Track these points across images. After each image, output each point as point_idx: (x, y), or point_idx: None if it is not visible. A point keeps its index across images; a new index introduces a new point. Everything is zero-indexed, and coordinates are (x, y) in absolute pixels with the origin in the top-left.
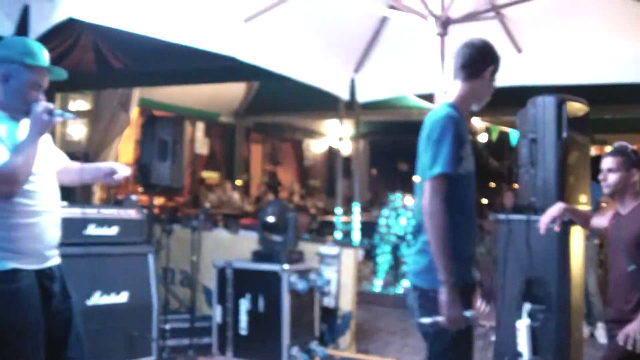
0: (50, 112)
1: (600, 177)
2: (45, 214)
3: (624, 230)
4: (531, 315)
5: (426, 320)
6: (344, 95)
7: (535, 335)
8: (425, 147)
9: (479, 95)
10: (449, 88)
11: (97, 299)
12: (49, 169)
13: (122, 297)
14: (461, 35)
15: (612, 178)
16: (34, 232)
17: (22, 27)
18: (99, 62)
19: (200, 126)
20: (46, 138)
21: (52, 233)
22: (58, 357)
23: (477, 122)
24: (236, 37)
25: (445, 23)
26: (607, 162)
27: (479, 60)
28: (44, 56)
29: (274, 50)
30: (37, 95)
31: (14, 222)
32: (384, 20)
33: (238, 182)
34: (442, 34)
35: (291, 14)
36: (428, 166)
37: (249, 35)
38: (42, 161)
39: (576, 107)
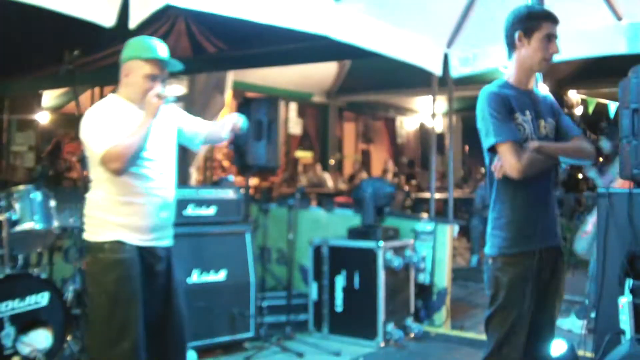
0: (159, 96)
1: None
2: (155, 197)
3: None
4: (634, 291)
5: None
6: (437, 71)
7: (638, 312)
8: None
9: (529, 63)
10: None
11: (197, 277)
12: (165, 153)
13: (221, 276)
14: (557, 4)
15: None
16: (141, 212)
17: (123, 18)
18: (194, 46)
19: (293, 106)
20: (166, 124)
21: (162, 215)
22: (157, 335)
23: (573, 95)
24: (328, 16)
25: None
26: None
27: (508, 31)
28: (159, 50)
29: (365, 28)
30: (153, 85)
31: (123, 199)
32: (470, 4)
33: (331, 161)
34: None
35: None
36: (484, 142)
37: (340, 15)
38: (156, 145)
39: None
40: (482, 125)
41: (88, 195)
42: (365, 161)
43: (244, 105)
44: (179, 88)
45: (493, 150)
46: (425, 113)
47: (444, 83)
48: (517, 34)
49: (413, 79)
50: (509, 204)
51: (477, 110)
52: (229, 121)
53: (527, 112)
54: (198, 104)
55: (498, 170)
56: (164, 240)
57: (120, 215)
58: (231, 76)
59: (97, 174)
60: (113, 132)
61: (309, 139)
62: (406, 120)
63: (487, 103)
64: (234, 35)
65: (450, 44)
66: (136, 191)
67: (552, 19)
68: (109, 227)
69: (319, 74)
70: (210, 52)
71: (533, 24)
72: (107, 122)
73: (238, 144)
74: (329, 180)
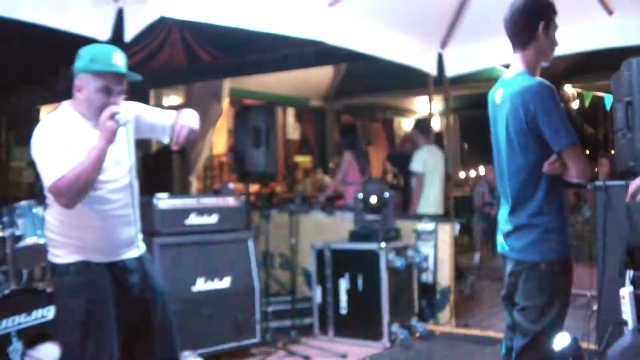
0: (114, 118)
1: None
2: (116, 217)
3: None
4: (635, 282)
5: None
6: (432, 71)
7: None
8: (531, 120)
9: (544, 57)
10: (512, 60)
11: (202, 285)
12: (123, 172)
13: (225, 283)
14: None
15: None
16: (102, 234)
17: (118, 31)
18: (189, 56)
19: (290, 112)
20: (122, 134)
21: (124, 232)
22: (141, 346)
23: (569, 89)
24: (321, 21)
25: None
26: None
27: (526, 23)
28: (114, 60)
29: (360, 31)
30: (108, 100)
31: (82, 224)
32: (463, 6)
33: (331, 165)
34: None
35: None
36: (556, 139)
37: (334, 19)
38: (113, 164)
39: None
40: (547, 121)
41: (46, 216)
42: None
43: (241, 112)
44: (176, 99)
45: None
46: (422, 113)
47: (440, 83)
48: (541, 25)
49: (409, 80)
50: (559, 207)
51: (535, 105)
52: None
53: None
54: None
55: (553, 171)
56: (133, 251)
57: (81, 238)
58: (227, 84)
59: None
60: (63, 158)
61: (308, 143)
62: (404, 121)
63: (550, 97)
64: (228, 43)
65: (444, 43)
66: (94, 215)
67: (557, 12)
68: (71, 248)
69: (316, 79)
70: (205, 61)
71: (553, 15)
72: (57, 146)
73: (237, 152)
74: (329, 184)
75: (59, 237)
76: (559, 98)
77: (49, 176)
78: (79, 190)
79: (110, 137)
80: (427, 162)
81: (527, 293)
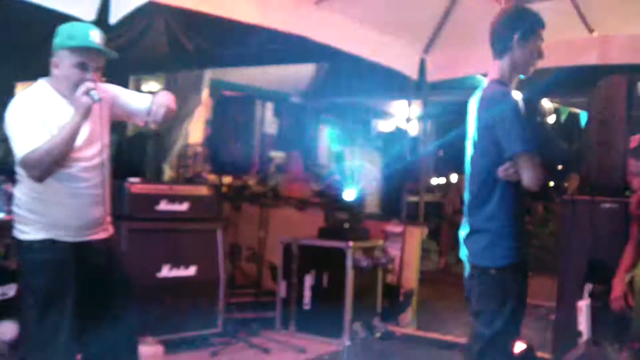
0: (89, 93)
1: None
2: (86, 196)
3: None
4: (593, 295)
5: None
6: (413, 75)
7: (596, 316)
8: (490, 125)
9: (519, 68)
10: (490, 69)
11: (167, 272)
12: (96, 151)
13: (191, 271)
14: None
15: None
16: (71, 212)
17: (104, 13)
18: (172, 44)
19: (269, 106)
20: (98, 113)
21: (93, 212)
22: (100, 328)
23: (546, 103)
24: (307, 18)
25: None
26: (632, 167)
27: (502, 33)
28: (91, 37)
29: (344, 30)
30: (84, 76)
31: (50, 199)
32: (454, 2)
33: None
34: None
35: None
36: (509, 145)
37: (319, 17)
38: (87, 142)
39: None
40: (503, 128)
41: (15, 191)
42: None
43: (220, 103)
44: (156, 86)
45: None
46: (400, 117)
47: (419, 88)
48: (516, 36)
49: (390, 83)
50: (513, 212)
51: (494, 111)
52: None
53: None
54: (176, 101)
55: (507, 176)
56: (101, 232)
57: (49, 215)
58: (208, 74)
59: (21, 171)
60: (36, 132)
61: (285, 139)
62: (381, 123)
63: (510, 106)
64: (212, 33)
65: (427, 49)
66: (65, 192)
67: (544, 25)
68: (38, 225)
69: (297, 75)
70: (188, 50)
71: (531, 28)
72: (31, 120)
73: (213, 143)
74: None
75: (27, 213)
76: (523, 109)
77: (21, 148)
78: (49, 163)
79: (85, 113)
80: None
81: (479, 297)
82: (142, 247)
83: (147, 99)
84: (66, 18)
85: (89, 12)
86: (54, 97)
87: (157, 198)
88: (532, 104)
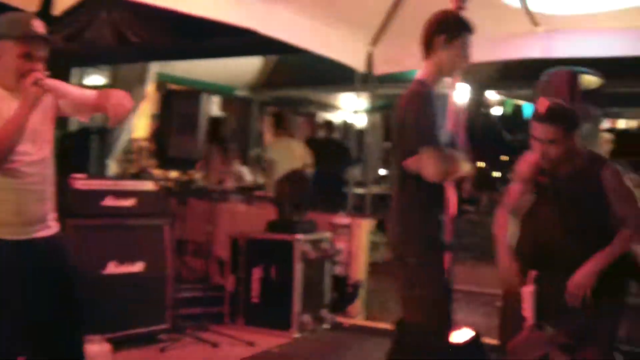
0: (37, 83)
1: (534, 146)
2: (28, 192)
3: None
4: (536, 281)
5: None
6: (360, 68)
7: (539, 301)
8: (402, 123)
9: (444, 69)
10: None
11: (113, 268)
12: (40, 142)
13: (138, 267)
14: (477, 9)
15: (555, 151)
16: (13, 208)
17: (46, 3)
18: (117, 36)
19: (216, 100)
20: (42, 107)
21: (36, 208)
22: (46, 327)
23: (491, 95)
24: (255, 11)
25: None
26: (544, 132)
27: (428, 35)
28: (34, 26)
29: (292, 23)
30: (30, 67)
31: None
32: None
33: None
34: (460, 8)
35: None
36: (414, 140)
37: (268, 9)
38: (31, 135)
39: (590, 80)
40: (410, 122)
41: None
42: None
43: (166, 97)
44: (99, 79)
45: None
46: (348, 110)
47: (367, 80)
48: (439, 37)
49: (337, 76)
50: (427, 203)
51: (405, 108)
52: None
53: (441, 116)
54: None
55: (406, 167)
56: (44, 230)
57: None
58: (154, 67)
59: None
60: None
61: (231, 132)
62: (328, 116)
63: (419, 103)
64: (157, 25)
65: (374, 41)
66: (7, 188)
67: (471, 30)
68: None
69: (244, 68)
70: (133, 42)
71: (456, 30)
72: None
73: (160, 137)
74: (247, 175)
75: None
76: (430, 105)
77: None
78: (2, 151)
79: (33, 103)
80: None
81: (401, 286)
82: (87, 244)
83: (91, 95)
84: (6, 9)
85: (32, 3)
86: None
87: (102, 194)
88: (477, 96)
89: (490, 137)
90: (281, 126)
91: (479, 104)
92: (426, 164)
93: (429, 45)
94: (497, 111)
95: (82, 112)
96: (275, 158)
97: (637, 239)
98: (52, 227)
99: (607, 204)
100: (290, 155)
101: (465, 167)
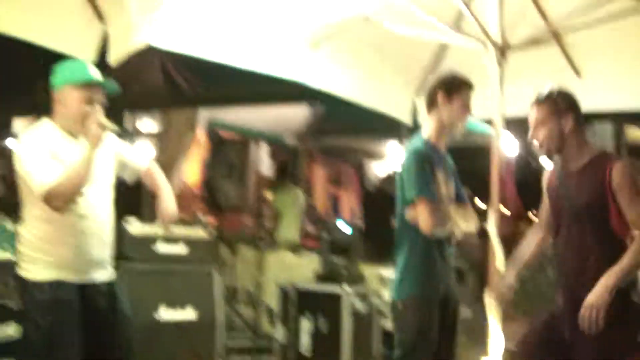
0: (100, 124)
1: (530, 136)
2: (90, 235)
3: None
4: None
5: None
6: (406, 120)
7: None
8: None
9: (445, 124)
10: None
11: (164, 314)
12: (101, 187)
13: (188, 314)
14: (520, 61)
15: (543, 132)
16: (76, 250)
17: (102, 54)
18: (167, 82)
19: (264, 147)
20: (103, 155)
21: (98, 251)
22: None
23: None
24: (302, 62)
25: (503, 49)
26: (533, 114)
27: (430, 92)
28: (91, 72)
29: (338, 75)
30: (91, 110)
31: (57, 238)
32: (444, 47)
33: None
34: (501, 61)
35: (354, 40)
36: (408, 192)
37: (314, 61)
38: (93, 183)
39: (637, 134)
40: (406, 177)
41: (21, 231)
42: (334, 205)
43: (216, 145)
44: (152, 124)
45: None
46: (395, 158)
47: (414, 129)
48: (439, 94)
49: (383, 124)
50: (423, 250)
51: (404, 161)
52: (164, 212)
53: (443, 171)
54: (169, 141)
55: (410, 218)
56: (104, 275)
57: (55, 254)
58: (205, 113)
59: (30, 210)
60: (52, 166)
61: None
62: (375, 165)
63: (414, 159)
64: (208, 72)
65: (419, 92)
66: (70, 231)
67: (470, 86)
68: (43, 264)
69: (291, 116)
70: (183, 88)
71: (456, 87)
72: (45, 156)
73: (210, 184)
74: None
75: (32, 252)
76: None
77: (41, 181)
78: (71, 194)
79: (97, 143)
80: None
81: (393, 330)
82: (139, 289)
83: (143, 161)
84: (64, 58)
85: (89, 53)
86: (60, 134)
87: (153, 239)
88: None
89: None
90: (286, 175)
91: (528, 152)
92: (421, 214)
93: (430, 102)
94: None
95: (128, 172)
96: (280, 207)
97: None
98: (109, 271)
99: (611, 204)
100: (294, 204)
101: (464, 223)
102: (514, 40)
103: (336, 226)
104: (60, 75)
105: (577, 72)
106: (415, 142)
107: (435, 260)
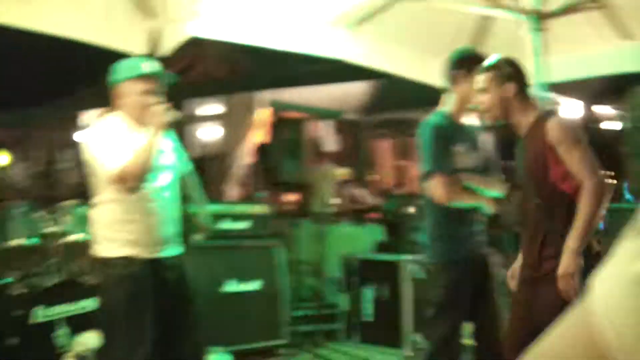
0: (161, 113)
1: (475, 102)
2: (160, 214)
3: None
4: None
5: None
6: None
7: None
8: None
9: (465, 101)
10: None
11: (232, 286)
12: (170, 169)
13: (255, 285)
14: (559, 29)
15: (487, 99)
16: (147, 229)
17: (153, 47)
18: (226, 68)
19: (327, 124)
20: (170, 141)
21: (167, 230)
22: (171, 339)
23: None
24: (347, 41)
25: (542, 17)
26: (477, 82)
27: (451, 69)
28: (148, 65)
29: (384, 52)
30: (152, 100)
31: (128, 217)
32: (487, 19)
33: (376, 177)
34: (540, 29)
35: (394, 19)
36: (423, 166)
37: (359, 39)
38: (162, 162)
39: None
40: (422, 151)
41: (94, 214)
42: (400, 177)
43: (275, 125)
44: (217, 107)
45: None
46: None
47: None
48: (461, 72)
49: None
50: (448, 218)
51: (419, 137)
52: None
53: (464, 144)
54: (233, 123)
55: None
56: (173, 250)
57: (127, 232)
58: (266, 95)
59: (102, 193)
60: (120, 152)
61: (345, 156)
62: None
63: (429, 133)
64: (266, 55)
65: None
66: (141, 209)
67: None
68: (117, 243)
69: (353, 92)
70: (245, 72)
71: (475, 63)
72: (114, 143)
73: (270, 162)
74: (360, 196)
75: (106, 232)
76: (441, 134)
77: (111, 165)
78: (138, 175)
79: (159, 130)
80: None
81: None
82: (207, 264)
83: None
84: (117, 55)
85: (140, 48)
86: (125, 126)
87: (220, 217)
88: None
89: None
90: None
91: (587, 119)
92: (434, 188)
93: (451, 78)
94: (612, 125)
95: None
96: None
97: (600, 196)
98: (176, 247)
99: (551, 161)
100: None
101: (490, 191)
102: (553, 7)
103: (398, 198)
104: (119, 71)
105: (627, 35)
106: (434, 117)
107: (457, 227)
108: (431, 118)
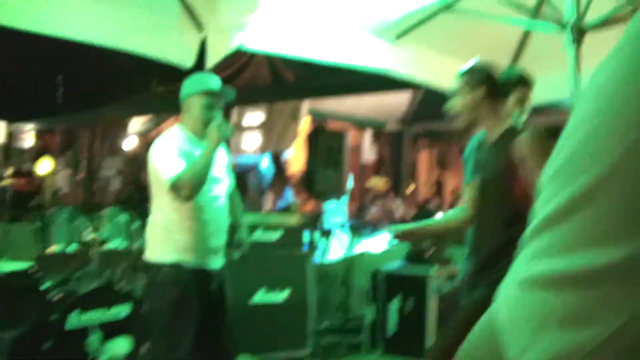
0: (220, 128)
1: (447, 106)
2: (213, 223)
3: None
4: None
5: None
6: None
7: None
8: None
9: (483, 116)
10: None
11: (261, 296)
12: (221, 180)
13: (283, 296)
14: (597, 41)
15: (457, 103)
16: (199, 236)
17: (200, 58)
18: (273, 75)
19: (367, 134)
20: (225, 155)
21: (218, 239)
22: (204, 346)
23: None
24: (389, 53)
25: (580, 30)
26: (452, 87)
27: (473, 84)
28: (214, 82)
29: (426, 62)
30: (212, 115)
31: (182, 224)
32: (527, 33)
33: (412, 186)
34: (577, 41)
35: (436, 31)
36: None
37: (401, 51)
38: (217, 174)
39: None
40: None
41: (150, 218)
42: (437, 189)
43: (314, 134)
44: (258, 115)
45: None
46: None
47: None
48: (482, 89)
49: None
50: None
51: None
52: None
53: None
54: (275, 131)
55: None
56: (217, 261)
57: (180, 239)
58: (307, 104)
59: (160, 200)
60: (179, 161)
61: (384, 166)
62: None
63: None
64: (310, 64)
65: None
66: (195, 218)
67: (527, 83)
68: (169, 249)
69: (393, 102)
70: (289, 80)
71: (491, 84)
72: (176, 151)
73: (308, 172)
74: (398, 208)
75: (158, 237)
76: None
77: (169, 173)
78: (194, 184)
79: (217, 143)
80: None
81: None
82: (238, 273)
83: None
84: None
85: (188, 59)
86: (189, 136)
87: (252, 227)
88: None
89: None
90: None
91: None
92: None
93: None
94: None
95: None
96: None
97: None
98: (222, 258)
99: (514, 178)
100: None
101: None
102: (591, 20)
103: (431, 210)
104: (187, 87)
105: None
106: (482, 133)
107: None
108: (480, 134)
